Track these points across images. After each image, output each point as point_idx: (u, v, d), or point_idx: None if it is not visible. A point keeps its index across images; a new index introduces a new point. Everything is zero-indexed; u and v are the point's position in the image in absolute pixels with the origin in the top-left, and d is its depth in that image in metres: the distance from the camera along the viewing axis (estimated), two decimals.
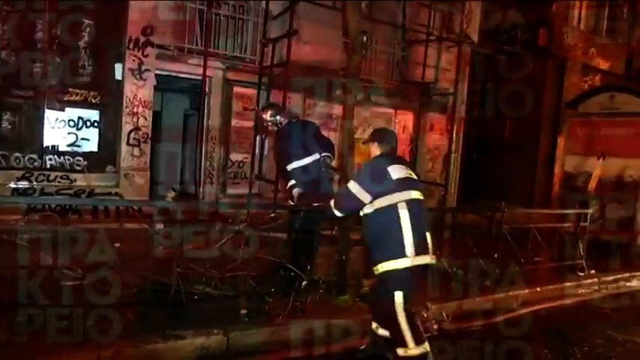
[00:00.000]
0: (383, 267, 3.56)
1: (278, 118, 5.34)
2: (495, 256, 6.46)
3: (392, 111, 11.30)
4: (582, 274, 7.15)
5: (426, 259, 3.62)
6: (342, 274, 5.24)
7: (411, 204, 3.58)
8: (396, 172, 3.63)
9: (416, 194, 3.66)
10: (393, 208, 3.55)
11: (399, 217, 3.53)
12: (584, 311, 6.10)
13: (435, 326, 4.85)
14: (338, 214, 3.84)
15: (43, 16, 7.53)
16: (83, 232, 4.74)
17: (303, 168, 5.18)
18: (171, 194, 7.68)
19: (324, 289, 5.10)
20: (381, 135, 4.02)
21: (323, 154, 5.19)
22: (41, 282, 3.73)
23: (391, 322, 3.61)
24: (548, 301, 6.21)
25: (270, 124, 5.35)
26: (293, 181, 5.25)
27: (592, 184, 9.22)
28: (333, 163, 5.38)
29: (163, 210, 5.06)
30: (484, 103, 12.16)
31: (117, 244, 4.82)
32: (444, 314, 5.08)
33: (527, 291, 6.15)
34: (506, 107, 9.63)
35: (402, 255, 3.50)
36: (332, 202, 3.85)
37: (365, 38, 8.74)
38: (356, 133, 11.16)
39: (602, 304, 6.40)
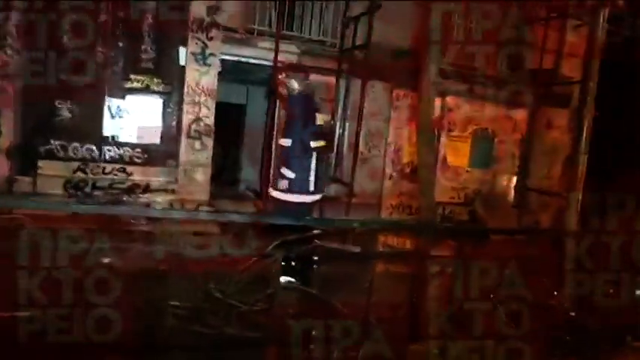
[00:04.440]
0: None
1: (293, 82, 4.73)
2: None
3: (500, 104, 9.44)
4: None
5: None
6: (414, 317, 3.84)
7: None
8: None
9: None
10: None
11: None
12: None
13: None
14: None
15: None
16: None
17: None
18: None
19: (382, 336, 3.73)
20: None
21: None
22: None
23: None
24: None
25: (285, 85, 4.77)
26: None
27: None
28: None
29: None
30: (619, 96, 9.77)
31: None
32: None
33: None
34: None
35: None
36: None
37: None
38: (454, 129, 9.59)
39: None
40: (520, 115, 9.70)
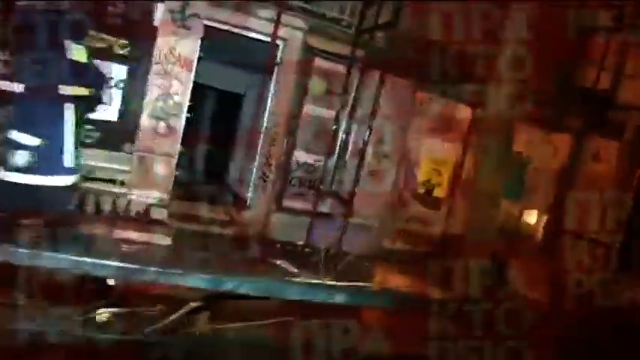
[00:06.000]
0: None
1: None
2: None
3: (540, 125, 7.86)
4: None
5: None
6: None
7: None
8: None
9: None
10: None
11: None
12: None
13: None
14: None
15: None
16: None
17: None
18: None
19: None
20: None
21: None
22: None
23: None
24: None
25: None
26: None
27: None
28: None
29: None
30: None
31: None
32: None
33: None
34: None
35: None
36: None
37: None
38: None
39: None
40: (562, 140, 8.12)
